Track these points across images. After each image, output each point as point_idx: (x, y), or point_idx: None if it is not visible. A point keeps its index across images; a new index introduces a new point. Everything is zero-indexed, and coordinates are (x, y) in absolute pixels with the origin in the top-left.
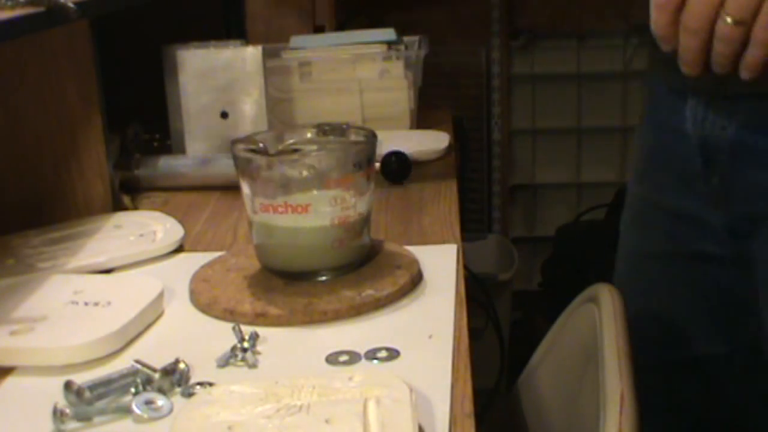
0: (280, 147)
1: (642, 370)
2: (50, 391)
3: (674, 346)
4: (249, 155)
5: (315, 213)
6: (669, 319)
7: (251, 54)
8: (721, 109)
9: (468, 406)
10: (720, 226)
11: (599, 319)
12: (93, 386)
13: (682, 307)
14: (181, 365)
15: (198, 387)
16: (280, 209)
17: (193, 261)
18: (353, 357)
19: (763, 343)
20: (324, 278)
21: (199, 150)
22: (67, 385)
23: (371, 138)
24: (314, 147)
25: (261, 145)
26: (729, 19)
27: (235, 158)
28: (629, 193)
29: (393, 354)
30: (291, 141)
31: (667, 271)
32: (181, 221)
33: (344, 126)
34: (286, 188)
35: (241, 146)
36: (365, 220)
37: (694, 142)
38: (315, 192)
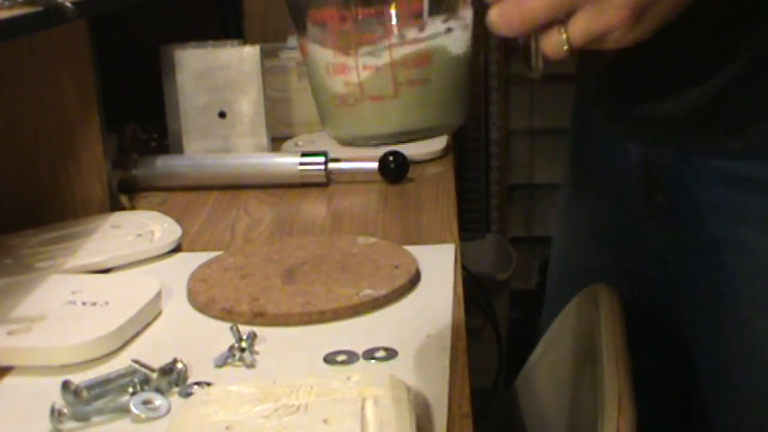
0: None
1: None
2: (48, 390)
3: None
4: None
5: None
6: None
7: (249, 54)
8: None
9: (466, 406)
10: (662, 246)
11: (597, 319)
12: (91, 386)
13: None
14: (179, 365)
15: (196, 387)
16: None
17: (190, 261)
18: (351, 357)
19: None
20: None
21: (197, 150)
22: (65, 385)
23: None
24: None
25: None
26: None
27: None
28: (563, 204)
29: (391, 354)
30: None
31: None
32: (178, 221)
33: None
34: None
35: None
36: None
37: (634, 156)
38: None
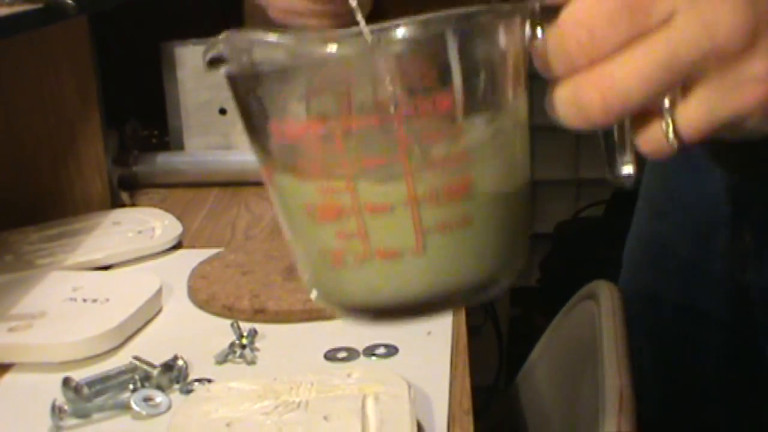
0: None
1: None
2: (49, 387)
3: (679, 406)
4: None
5: None
6: (674, 375)
7: None
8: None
9: (466, 403)
10: (743, 289)
11: (598, 316)
12: (91, 383)
13: (687, 366)
14: (180, 362)
15: (196, 384)
16: None
17: (191, 257)
18: (352, 353)
19: None
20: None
21: (197, 146)
22: (66, 382)
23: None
24: None
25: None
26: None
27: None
28: (639, 222)
29: (391, 351)
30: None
31: (677, 324)
32: (179, 218)
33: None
34: None
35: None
36: None
37: (721, 183)
38: None
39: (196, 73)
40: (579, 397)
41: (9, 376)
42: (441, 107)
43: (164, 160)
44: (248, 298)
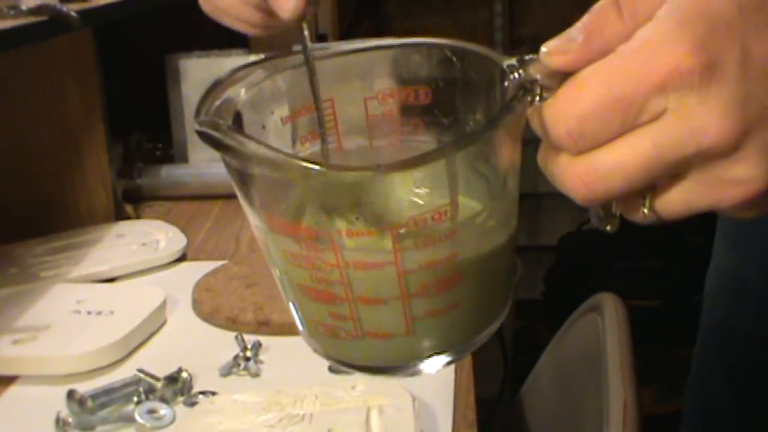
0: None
1: None
2: (53, 400)
3: None
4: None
5: None
6: (748, 406)
7: None
8: None
9: (470, 415)
10: None
11: (602, 328)
12: (96, 395)
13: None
14: (184, 374)
15: (201, 396)
16: None
17: (195, 270)
18: None
19: None
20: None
21: (201, 159)
22: (70, 394)
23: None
24: None
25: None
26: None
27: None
28: (716, 255)
29: None
30: None
31: (750, 356)
32: (183, 230)
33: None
34: None
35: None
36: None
37: None
38: None
39: (200, 86)
40: (583, 409)
41: (13, 389)
42: (436, 221)
43: (168, 172)
44: (252, 311)
